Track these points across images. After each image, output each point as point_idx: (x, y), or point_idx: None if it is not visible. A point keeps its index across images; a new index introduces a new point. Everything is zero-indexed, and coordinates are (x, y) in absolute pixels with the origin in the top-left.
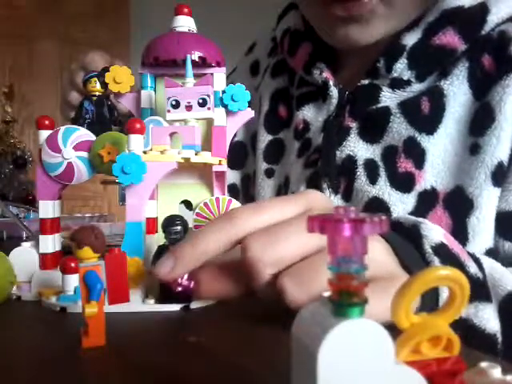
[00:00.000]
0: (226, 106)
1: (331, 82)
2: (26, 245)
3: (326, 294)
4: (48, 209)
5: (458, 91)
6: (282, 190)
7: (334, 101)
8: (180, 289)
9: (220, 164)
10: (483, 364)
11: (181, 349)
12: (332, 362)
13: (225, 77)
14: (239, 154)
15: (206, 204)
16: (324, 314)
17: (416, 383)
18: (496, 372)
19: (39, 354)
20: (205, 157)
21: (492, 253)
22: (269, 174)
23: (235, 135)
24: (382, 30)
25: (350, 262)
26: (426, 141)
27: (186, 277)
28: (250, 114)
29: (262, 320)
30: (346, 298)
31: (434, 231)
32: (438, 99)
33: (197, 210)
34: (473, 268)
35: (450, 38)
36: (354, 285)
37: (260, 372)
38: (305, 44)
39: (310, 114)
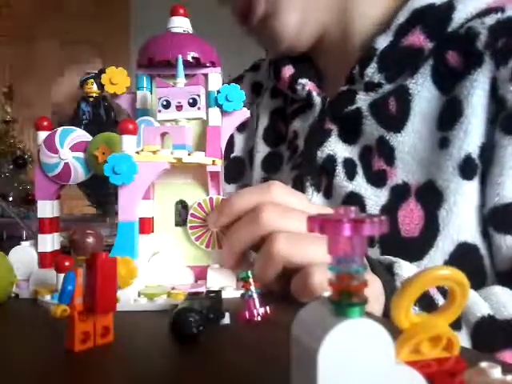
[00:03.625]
0: (220, 106)
1: (314, 93)
2: (25, 244)
3: (326, 293)
4: (46, 208)
5: (422, 88)
6: None
7: (318, 108)
8: (259, 318)
9: (214, 164)
10: (483, 364)
11: (179, 349)
12: (332, 362)
13: (220, 77)
14: (237, 169)
15: (199, 204)
16: (324, 314)
17: (416, 383)
18: (496, 372)
19: (37, 355)
20: (197, 157)
21: (467, 248)
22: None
23: (233, 148)
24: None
25: (350, 262)
26: (394, 139)
27: (258, 305)
28: (245, 113)
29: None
30: (346, 298)
31: (405, 269)
32: (403, 98)
33: (191, 211)
34: (441, 301)
35: (415, 38)
36: (354, 285)
37: (260, 372)
38: (286, 67)
39: (299, 125)
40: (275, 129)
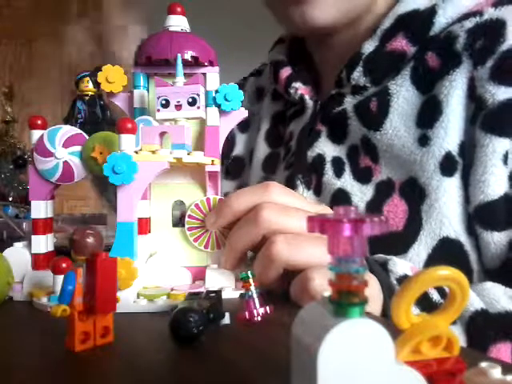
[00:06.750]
0: (219, 106)
1: (307, 96)
2: (18, 245)
3: (326, 293)
4: (40, 209)
5: (400, 88)
6: None
7: (310, 111)
8: (259, 318)
9: (212, 164)
10: (483, 364)
11: (179, 349)
12: (332, 362)
13: (218, 76)
14: (237, 168)
15: (197, 205)
16: (324, 314)
17: (416, 383)
18: (496, 372)
19: (37, 356)
20: (197, 157)
21: (449, 243)
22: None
23: (234, 147)
24: (333, 9)
25: (350, 262)
26: (374, 138)
27: (258, 305)
28: (243, 113)
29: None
30: (345, 298)
31: (400, 266)
32: (383, 98)
33: (188, 212)
34: (435, 295)
35: (398, 43)
36: (354, 285)
37: (260, 372)
38: (284, 70)
39: (294, 127)
40: (275, 131)
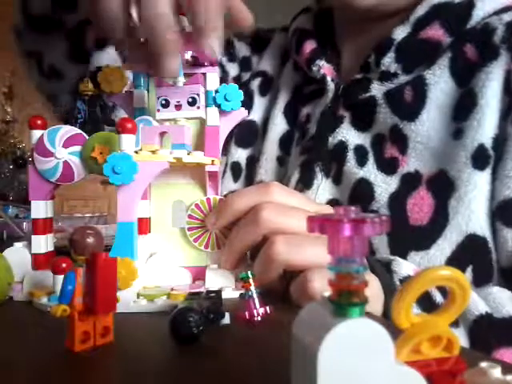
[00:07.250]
0: (219, 106)
1: (328, 77)
2: (18, 245)
3: (326, 293)
4: (40, 209)
5: (439, 79)
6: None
7: (331, 94)
8: (259, 318)
9: (213, 164)
10: (483, 364)
11: (179, 349)
12: (332, 362)
13: (218, 76)
14: (249, 133)
15: (197, 205)
16: (324, 314)
17: (416, 383)
18: (496, 372)
19: (37, 356)
20: (197, 157)
21: (476, 240)
22: (280, 161)
23: (251, 110)
24: None
25: (350, 262)
26: (407, 128)
27: (258, 305)
28: (243, 113)
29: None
30: (345, 298)
31: (404, 266)
32: (420, 88)
33: (189, 212)
34: (438, 296)
35: (434, 32)
36: (354, 285)
37: (260, 372)
38: (309, 42)
39: (312, 109)
40: (295, 106)
